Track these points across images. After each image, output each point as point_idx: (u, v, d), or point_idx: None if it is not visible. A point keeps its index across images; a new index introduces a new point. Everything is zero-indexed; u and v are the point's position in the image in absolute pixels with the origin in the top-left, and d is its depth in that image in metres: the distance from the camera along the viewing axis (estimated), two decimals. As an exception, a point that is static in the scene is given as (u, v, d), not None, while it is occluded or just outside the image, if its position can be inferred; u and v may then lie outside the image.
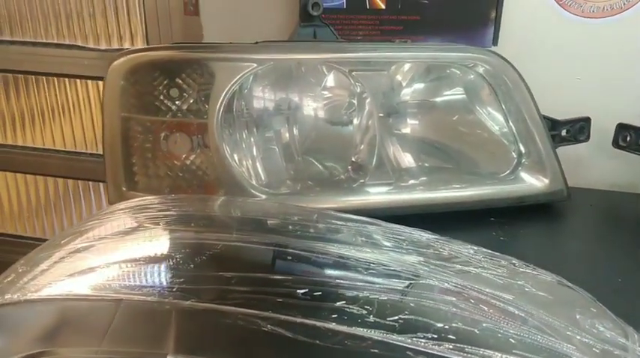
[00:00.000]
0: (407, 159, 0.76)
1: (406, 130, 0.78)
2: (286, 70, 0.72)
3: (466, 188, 0.73)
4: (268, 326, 0.35)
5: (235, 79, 0.64)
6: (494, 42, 0.85)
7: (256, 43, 0.67)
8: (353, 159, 0.73)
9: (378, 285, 0.40)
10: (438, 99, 0.78)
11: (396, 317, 0.36)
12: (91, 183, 1.28)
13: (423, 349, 0.34)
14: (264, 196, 0.66)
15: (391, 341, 0.34)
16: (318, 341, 0.34)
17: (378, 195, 0.71)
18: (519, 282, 0.45)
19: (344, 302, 0.37)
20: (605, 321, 0.42)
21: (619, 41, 0.86)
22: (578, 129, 0.81)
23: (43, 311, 0.38)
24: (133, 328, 0.37)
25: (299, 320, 0.34)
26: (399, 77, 0.75)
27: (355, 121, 0.72)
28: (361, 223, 0.52)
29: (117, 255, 0.42)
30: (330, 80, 0.74)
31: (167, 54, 0.66)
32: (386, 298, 0.39)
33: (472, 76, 0.73)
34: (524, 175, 0.74)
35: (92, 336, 0.37)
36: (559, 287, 0.47)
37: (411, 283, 0.41)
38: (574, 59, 0.87)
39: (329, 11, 0.83)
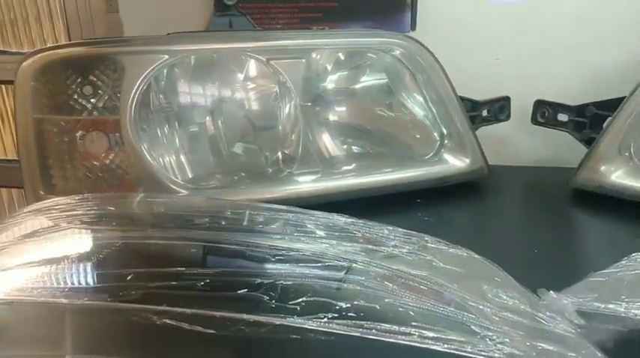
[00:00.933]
0: (333, 147, 0.76)
1: (333, 118, 0.78)
2: (206, 62, 0.71)
3: (393, 172, 0.74)
4: (163, 320, 0.34)
5: (146, 73, 0.62)
6: (412, 27, 0.86)
7: (168, 34, 0.66)
8: (281, 150, 0.73)
9: (286, 272, 0.40)
10: (362, 86, 0.79)
11: (299, 300, 0.36)
12: (13, 190, 1.24)
13: (322, 328, 0.34)
14: (186, 192, 0.65)
15: (291, 324, 0.34)
16: (212, 331, 0.34)
17: (305, 184, 0.71)
18: (427, 258, 0.46)
19: (246, 290, 0.37)
20: (510, 290, 0.43)
21: (535, 20, 0.88)
22: (498, 109, 0.83)
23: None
24: (29, 330, 0.36)
25: (193, 311, 0.34)
26: (319, 65, 0.75)
27: (279, 111, 0.72)
28: (274, 211, 0.52)
29: (13, 258, 0.41)
30: (253, 70, 0.73)
31: (77, 50, 0.64)
32: (290, 283, 0.39)
33: (391, 61, 0.73)
34: (447, 156, 0.76)
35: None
36: (468, 260, 0.48)
37: (317, 266, 0.41)
38: (492, 40, 0.89)
39: (245, 0, 0.82)
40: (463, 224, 0.71)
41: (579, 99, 0.78)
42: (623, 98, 0.70)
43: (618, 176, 0.70)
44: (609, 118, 0.73)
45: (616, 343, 0.39)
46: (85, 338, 0.35)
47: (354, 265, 0.42)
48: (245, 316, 0.34)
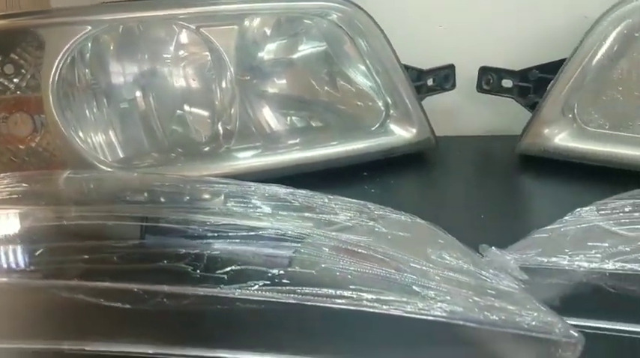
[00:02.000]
0: (273, 120, 0.73)
1: (272, 90, 0.75)
2: (131, 33, 0.67)
3: (337, 144, 0.72)
4: (79, 295, 0.31)
5: (68, 46, 0.58)
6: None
7: (103, 3, 0.62)
8: (219, 125, 0.70)
9: (212, 241, 0.38)
10: (301, 55, 0.76)
11: (227, 270, 0.34)
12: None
13: (251, 297, 0.32)
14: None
15: (217, 295, 0.32)
16: (130, 305, 0.31)
17: (245, 159, 0.68)
18: (369, 224, 0.44)
19: (166, 261, 0.34)
20: (454, 251, 0.42)
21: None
22: (443, 78, 0.81)
23: None
24: None
25: (107, 285, 0.31)
26: (253, 32, 0.72)
27: (214, 83, 0.68)
28: (207, 183, 0.49)
29: None
30: (184, 39, 0.70)
31: (-5, 25, 0.59)
32: (218, 253, 0.36)
33: (329, 27, 0.71)
34: (392, 127, 0.74)
35: None
36: (412, 225, 0.47)
37: (248, 235, 0.39)
38: (436, 7, 0.87)
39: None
40: (410, 195, 0.69)
41: (525, 63, 0.77)
42: (565, 60, 0.70)
43: (562, 138, 0.69)
44: (552, 81, 0.72)
45: (560, 297, 0.38)
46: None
47: (290, 233, 0.40)
48: (165, 288, 0.31)
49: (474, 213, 0.60)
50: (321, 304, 0.32)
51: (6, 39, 0.60)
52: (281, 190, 0.51)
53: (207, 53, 0.67)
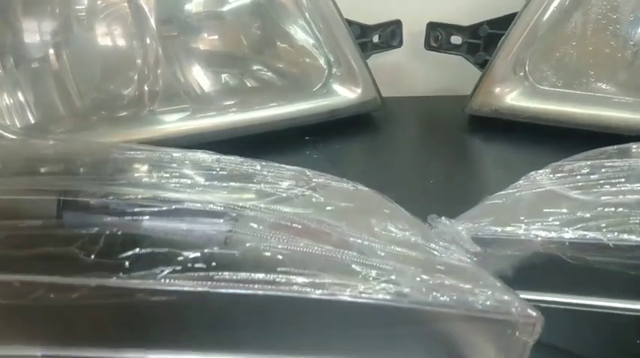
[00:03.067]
0: (203, 80, 0.66)
1: (203, 47, 0.68)
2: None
3: (276, 106, 0.66)
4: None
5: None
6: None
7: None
8: (143, 85, 0.63)
9: (114, 220, 0.32)
10: (232, 7, 0.69)
11: (129, 253, 0.28)
12: None
13: (156, 287, 0.26)
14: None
15: (112, 285, 0.26)
16: (8, 301, 0.25)
17: (172, 123, 0.62)
18: (306, 193, 0.39)
19: (51, 246, 0.28)
20: (400, 222, 0.37)
21: None
22: (389, 34, 0.76)
23: None
24: None
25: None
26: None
27: (134, 39, 0.61)
28: (122, 150, 0.43)
29: None
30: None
31: None
32: (119, 233, 0.30)
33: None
34: (336, 87, 0.68)
35: None
36: (354, 193, 0.42)
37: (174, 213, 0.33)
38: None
39: None
40: (355, 160, 0.65)
41: (474, 18, 0.73)
42: (516, 14, 0.65)
43: (514, 98, 0.66)
44: (503, 37, 0.68)
45: (516, 269, 0.34)
46: None
47: (211, 206, 0.34)
48: (46, 279, 0.26)
49: (422, 179, 0.56)
50: (242, 291, 0.27)
51: None
52: (206, 156, 0.45)
53: (126, 5, 0.60)
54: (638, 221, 0.35)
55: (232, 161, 0.44)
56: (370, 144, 0.68)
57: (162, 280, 0.27)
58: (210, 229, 0.33)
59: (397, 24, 0.76)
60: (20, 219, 0.33)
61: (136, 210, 0.33)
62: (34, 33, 0.61)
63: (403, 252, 0.33)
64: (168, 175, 0.40)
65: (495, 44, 0.69)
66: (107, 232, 0.30)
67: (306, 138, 0.66)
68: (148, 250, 0.29)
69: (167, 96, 0.62)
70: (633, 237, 0.34)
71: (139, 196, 0.35)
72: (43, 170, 0.42)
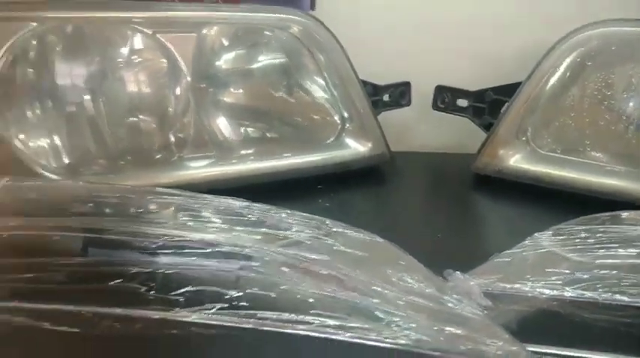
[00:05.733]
0: (228, 130, 0.71)
1: (228, 99, 0.73)
2: (82, 33, 0.63)
3: (292, 156, 0.70)
4: (20, 318, 0.28)
5: (10, 42, 0.54)
6: (312, 7, 0.83)
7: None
8: (169, 132, 0.67)
9: (167, 260, 0.35)
10: (260, 66, 0.74)
11: (182, 291, 0.32)
12: None
13: (208, 321, 0.30)
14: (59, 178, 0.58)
15: (171, 318, 0.29)
16: (77, 329, 0.28)
17: (198, 169, 0.66)
18: (328, 241, 0.43)
19: (119, 280, 0.31)
20: (415, 273, 0.41)
21: (437, 6, 0.88)
22: (399, 94, 0.81)
23: None
24: None
25: (51, 307, 0.28)
26: (214, 41, 0.70)
27: (169, 90, 0.66)
28: (160, 194, 0.46)
29: None
30: (139, 44, 0.66)
31: None
32: (172, 272, 0.34)
33: (288, 39, 0.70)
34: (348, 141, 0.73)
35: None
36: (371, 244, 0.45)
37: (203, 253, 0.36)
38: (394, 24, 0.87)
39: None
40: (365, 210, 0.68)
41: (479, 85, 0.78)
42: (519, 83, 0.71)
43: (516, 160, 0.70)
44: (507, 103, 0.73)
45: (522, 323, 0.38)
46: None
47: (248, 251, 0.38)
48: (116, 311, 0.29)
49: (430, 233, 0.59)
50: (282, 330, 0.30)
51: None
52: (236, 203, 0.49)
53: (163, 59, 0.65)
54: (629, 283, 0.39)
55: (259, 208, 0.48)
56: (379, 196, 0.72)
57: (213, 315, 0.30)
58: (215, 264, 0.36)
59: (407, 85, 0.81)
60: (49, 255, 0.37)
61: (161, 250, 0.37)
62: (73, 78, 0.65)
63: (420, 302, 0.37)
64: (195, 218, 0.44)
65: (499, 109, 0.75)
66: (162, 271, 0.33)
67: (319, 187, 0.70)
68: (198, 288, 0.32)
69: (195, 144, 0.66)
70: (625, 298, 0.38)
71: (164, 236, 0.38)
72: (73, 210, 0.46)
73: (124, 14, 0.60)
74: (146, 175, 0.63)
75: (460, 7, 0.88)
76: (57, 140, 0.63)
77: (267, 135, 0.74)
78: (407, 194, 0.74)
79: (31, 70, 0.61)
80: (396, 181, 0.75)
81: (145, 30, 0.62)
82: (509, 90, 0.73)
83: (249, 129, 0.73)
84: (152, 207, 0.45)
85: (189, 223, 0.42)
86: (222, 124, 0.70)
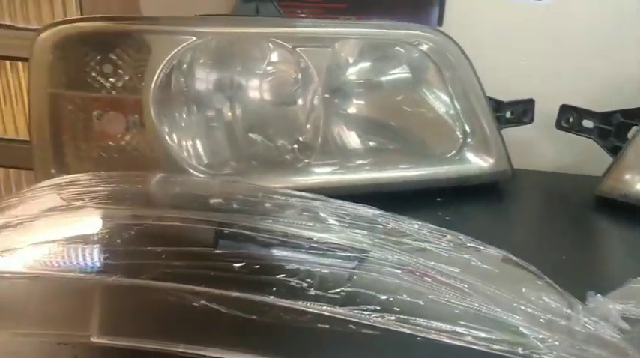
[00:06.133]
0: (352, 139, 0.74)
1: (352, 110, 0.77)
2: (228, 46, 0.69)
3: (412, 168, 0.72)
4: (201, 301, 0.32)
5: (172, 54, 0.60)
6: (439, 23, 0.84)
7: (195, 16, 0.64)
8: (298, 139, 0.71)
9: (319, 260, 0.38)
10: (384, 79, 0.77)
11: (338, 290, 0.35)
12: (23, 171, 1.21)
13: (365, 321, 0.32)
14: (203, 176, 0.63)
15: (332, 314, 0.32)
16: (254, 316, 0.32)
17: (323, 175, 0.69)
18: (465, 256, 0.44)
19: (283, 275, 0.35)
20: (551, 294, 0.42)
21: (563, 24, 0.87)
22: (522, 111, 0.81)
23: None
24: (53, 308, 0.34)
25: (233, 294, 0.32)
26: (344, 55, 0.74)
27: (300, 99, 0.70)
28: (304, 199, 0.50)
29: (37, 232, 0.39)
30: (275, 56, 0.71)
31: (99, 25, 0.62)
32: (327, 271, 0.37)
33: (417, 55, 0.72)
34: (469, 155, 0.74)
35: (8, 318, 0.33)
36: (505, 261, 0.47)
37: (351, 256, 0.39)
38: (518, 42, 0.87)
39: (272, -13, 0.80)
40: (486, 226, 0.69)
41: (604, 106, 0.77)
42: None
43: (643, 186, 0.69)
44: (634, 127, 0.71)
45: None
46: (114, 318, 0.33)
47: (391, 258, 0.40)
48: (286, 302, 0.32)
49: (554, 254, 0.59)
50: (433, 337, 0.32)
51: (107, 40, 0.62)
52: (369, 211, 0.52)
53: (297, 71, 0.69)
54: None
55: (391, 217, 0.51)
56: (499, 211, 0.72)
57: (370, 316, 0.33)
58: (362, 267, 0.39)
59: (530, 102, 0.81)
60: (177, 241, 0.41)
61: (317, 251, 0.40)
62: (216, 87, 0.71)
63: (559, 322, 0.38)
64: (338, 223, 0.47)
65: (626, 132, 0.73)
66: (320, 270, 0.36)
67: (438, 199, 0.71)
68: (352, 289, 0.35)
69: (321, 151, 0.69)
70: None
71: (318, 239, 0.41)
72: (207, 204, 0.50)
73: (271, 30, 0.65)
74: (272, 178, 0.66)
75: (589, 28, 0.86)
76: (199, 141, 0.69)
77: (389, 146, 0.76)
78: (527, 212, 0.73)
79: (182, 78, 0.67)
80: (516, 198, 0.75)
81: (286, 44, 0.66)
82: (638, 114, 0.71)
83: (372, 140, 0.76)
84: (297, 208, 0.48)
85: (335, 227, 0.45)
86: (348, 134, 0.73)
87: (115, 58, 0.62)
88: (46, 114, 0.62)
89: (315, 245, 0.40)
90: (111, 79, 0.63)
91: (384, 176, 0.71)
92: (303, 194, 0.51)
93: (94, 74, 0.62)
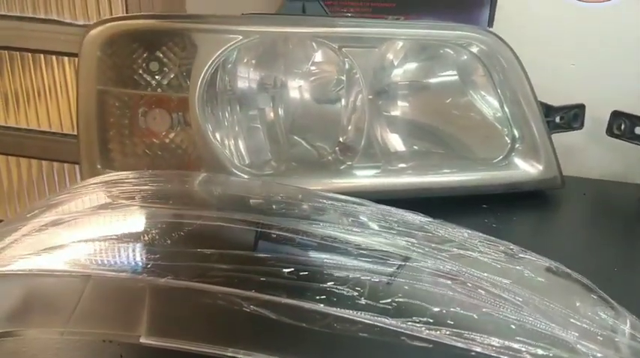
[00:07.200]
0: (396, 142, 0.73)
1: (396, 112, 0.75)
2: (273, 46, 0.69)
3: (457, 173, 0.70)
4: (251, 306, 0.32)
5: (219, 52, 0.60)
6: (490, 24, 0.82)
7: (242, 15, 0.64)
8: (341, 140, 0.70)
9: (368, 267, 0.38)
10: (430, 81, 0.75)
11: (389, 300, 0.34)
12: (66, 164, 1.23)
13: (418, 334, 0.32)
14: (246, 176, 0.63)
15: (384, 325, 0.32)
16: (304, 324, 0.31)
17: (365, 178, 0.68)
18: (518, 267, 0.43)
19: (333, 282, 0.34)
20: (607, 309, 0.40)
21: (616, 27, 0.84)
22: (572, 117, 0.78)
23: (6, 288, 0.35)
24: (103, 307, 0.34)
25: (284, 300, 0.31)
26: (390, 56, 0.72)
27: (344, 100, 0.69)
28: (349, 203, 0.49)
29: (88, 230, 0.39)
30: (319, 57, 0.70)
31: (147, 23, 0.62)
32: (378, 280, 0.36)
33: (466, 57, 0.70)
34: (517, 161, 0.72)
35: (58, 316, 0.34)
36: (558, 273, 0.45)
37: (401, 265, 0.38)
38: (570, 44, 0.85)
39: (318, -14, 0.80)
40: (533, 234, 0.67)
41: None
42: None
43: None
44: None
45: None
46: (163, 319, 0.33)
47: (442, 267, 0.39)
48: (337, 311, 0.32)
49: (605, 265, 0.57)
50: (492, 354, 0.31)
51: (154, 38, 0.62)
52: (417, 218, 0.51)
53: (341, 71, 0.68)
54: None
55: (441, 225, 0.49)
56: (548, 220, 0.70)
57: (423, 329, 0.32)
58: (413, 277, 0.38)
59: (581, 107, 0.78)
60: (225, 243, 0.40)
61: (366, 258, 0.39)
62: (259, 86, 0.71)
63: (618, 339, 0.36)
64: (386, 229, 0.46)
65: (681, 141, 0.70)
66: (370, 278, 0.35)
67: (484, 206, 0.69)
68: (403, 300, 0.34)
69: (364, 154, 0.68)
70: None
71: (367, 246, 0.41)
72: (249, 205, 0.50)
73: (317, 29, 0.64)
74: (313, 180, 0.66)
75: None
76: (241, 141, 0.69)
77: (433, 149, 0.75)
78: (576, 221, 0.71)
79: (226, 77, 0.67)
80: (564, 206, 0.72)
81: (331, 44, 0.65)
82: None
83: (416, 143, 0.74)
84: (347, 213, 0.48)
85: (382, 233, 0.44)
86: (392, 137, 0.72)
87: (161, 55, 0.63)
88: (93, 110, 0.62)
89: (363, 251, 0.39)
90: (157, 77, 0.63)
91: (428, 181, 0.69)
92: (346, 198, 0.51)
93: (140, 71, 0.63)
